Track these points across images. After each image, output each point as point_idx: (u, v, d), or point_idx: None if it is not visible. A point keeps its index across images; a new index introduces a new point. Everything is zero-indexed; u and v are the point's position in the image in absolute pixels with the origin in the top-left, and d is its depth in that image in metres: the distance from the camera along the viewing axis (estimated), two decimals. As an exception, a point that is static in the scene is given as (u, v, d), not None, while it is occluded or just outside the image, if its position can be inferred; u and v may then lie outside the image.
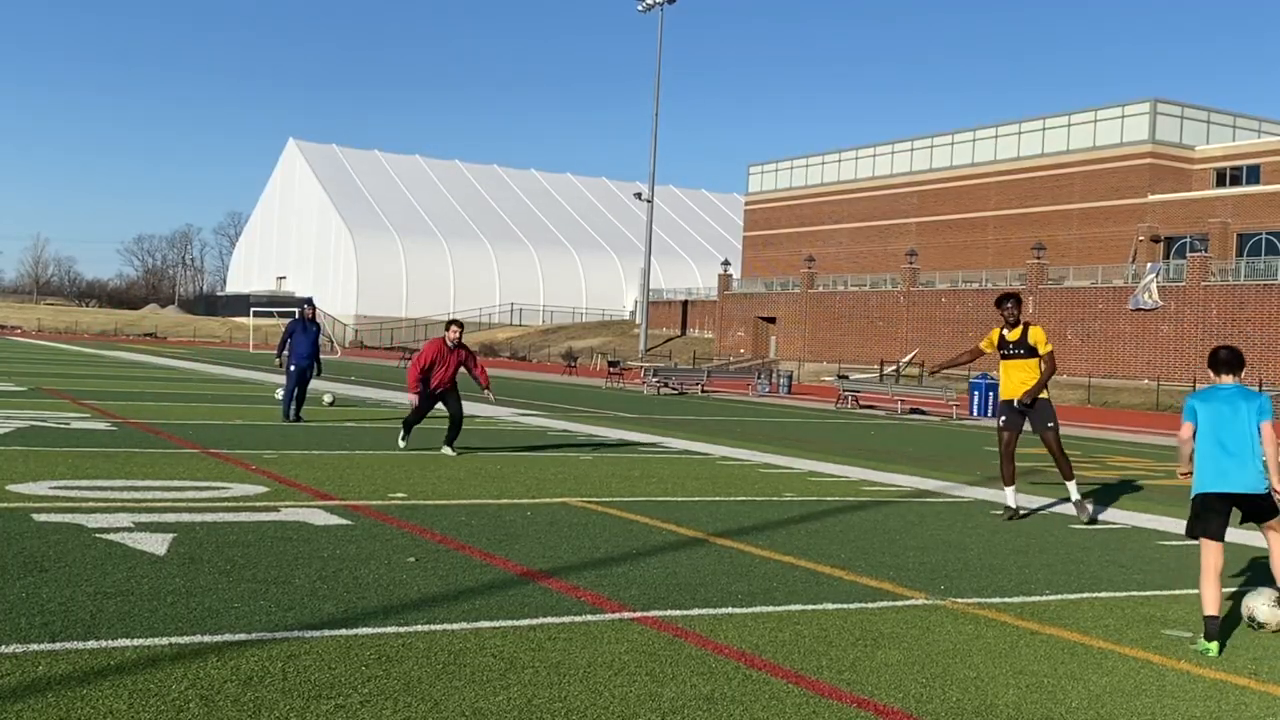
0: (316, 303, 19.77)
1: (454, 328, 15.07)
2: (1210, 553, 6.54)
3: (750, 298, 77.32)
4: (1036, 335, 11.21)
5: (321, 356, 19.35)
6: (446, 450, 14.73)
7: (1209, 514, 6.63)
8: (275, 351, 19.47)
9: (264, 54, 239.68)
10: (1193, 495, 6.74)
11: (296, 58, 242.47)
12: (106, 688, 4.62)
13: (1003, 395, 11.37)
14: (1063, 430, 12.40)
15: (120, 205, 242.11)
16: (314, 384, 20.24)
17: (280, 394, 19.18)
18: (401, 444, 14.84)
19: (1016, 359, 11.24)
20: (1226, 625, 6.93)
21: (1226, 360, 6.80)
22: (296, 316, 19.11)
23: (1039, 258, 57.89)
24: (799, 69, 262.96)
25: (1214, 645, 6.23)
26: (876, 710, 4.89)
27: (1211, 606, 6.37)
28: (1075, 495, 11.37)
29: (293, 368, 18.57)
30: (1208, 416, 6.66)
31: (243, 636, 5.48)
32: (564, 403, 29.70)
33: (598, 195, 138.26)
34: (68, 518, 8.49)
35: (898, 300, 65.21)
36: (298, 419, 18.43)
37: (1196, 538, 6.67)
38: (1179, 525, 11.39)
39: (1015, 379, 11.25)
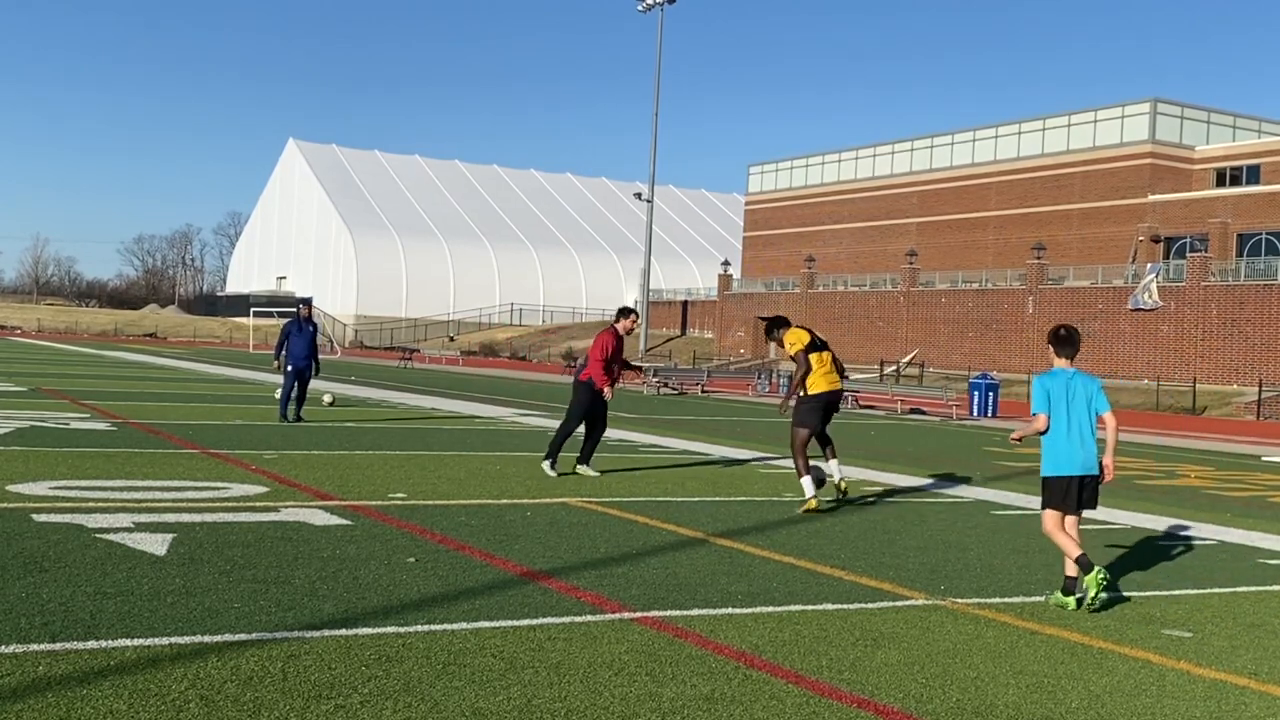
0: (316, 303, 19.74)
1: (631, 316, 13.41)
2: (1052, 519, 7.34)
3: (750, 298, 77.32)
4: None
5: (320, 356, 19.34)
6: (587, 470, 13.28)
7: (1054, 491, 7.31)
8: (273, 353, 19.46)
9: (264, 54, 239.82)
10: (1050, 475, 7.31)
11: (296, 58, 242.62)
12: (106, 688, 4.62)
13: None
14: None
15: (120, 205, 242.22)
16: (314, 384, 20.24)
17: (280, 394, 19.17)
18: (552, 471, 12.96)
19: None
20: (1228, 626, 6.94)
21: (1067, 339, 7.37)
22: (294, 317, 19.10)
23: (1039, 258, 57.89)
24: (799, 69, 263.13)
25: (1071, 600, 7.10)
26: (876, 710, 4.89)
27: (1071, 565, 7.15)
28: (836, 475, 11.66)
29: (290, 368, 18.57)
30: (1059, 400, 7.23)
31: (243, 636, 5.48)
32: (564, 403, 29.65)
33: (598, 195, 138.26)
34: (68, 518, 8.49)
35: (898, 300, 65.22)
36: (298, 419, 18.43)
37: (1045, 509, 7.40)
38: (1179, 525, 11.41)
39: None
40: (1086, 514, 7.98)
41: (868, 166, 79.54)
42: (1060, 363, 7.38)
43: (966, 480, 14.85)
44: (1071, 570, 7.17)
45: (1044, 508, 7.39)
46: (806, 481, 11.16)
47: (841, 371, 11.77)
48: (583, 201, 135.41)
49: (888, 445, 20.68)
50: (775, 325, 11.87)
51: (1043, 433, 7.30)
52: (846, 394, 37.67)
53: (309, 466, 12.51)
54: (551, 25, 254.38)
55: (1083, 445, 7.23)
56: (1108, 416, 7.34)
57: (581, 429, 13.48)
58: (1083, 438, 7.23)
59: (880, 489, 13.38)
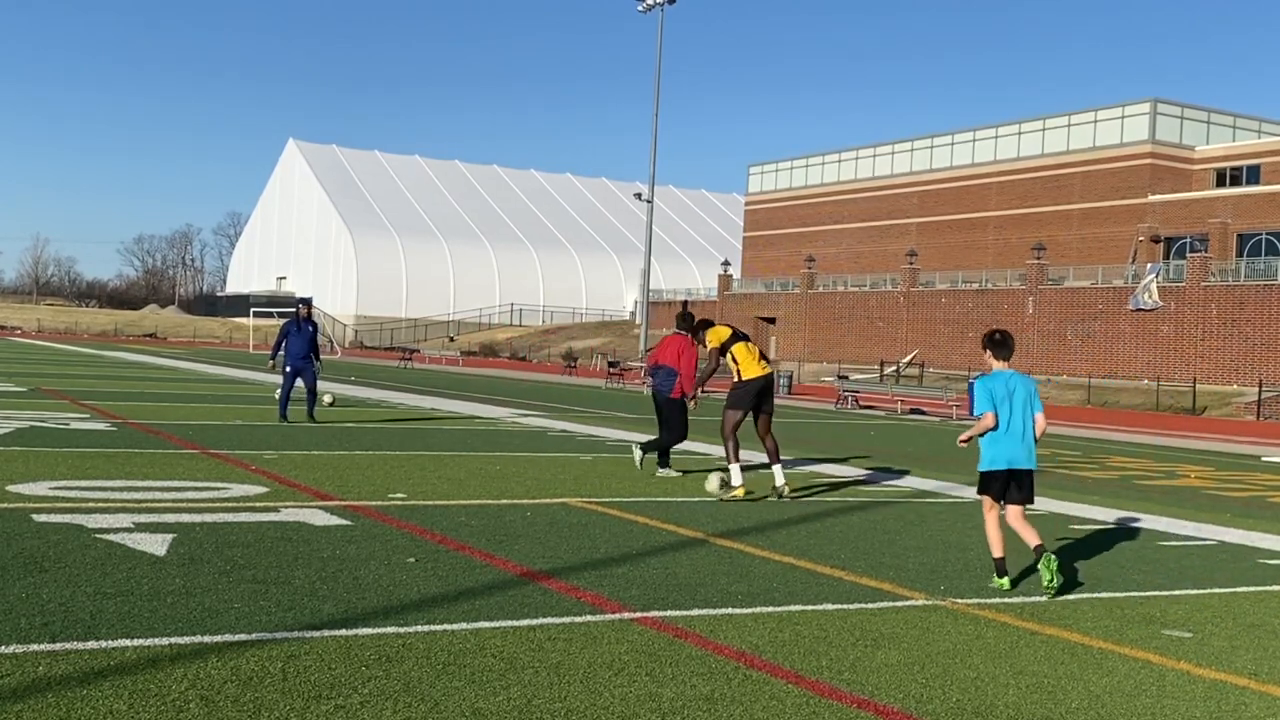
0: (316, 303, 19.71)
1: (704, 332, 12.87)
2: (991, 509, 7.79)
3: (750, 298, 77.32)
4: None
5: (322, 356, 19.33)
6: (670, 472, 13.41)
7: (993, 484, 7.75)
8: (270, 353, 19.44)
9: (264, 54, 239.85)
10: (982, 470, 7.75)
11: (296, 58, 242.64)
12: (106, 688, 4.62)
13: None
14: (1065, 430, 12.49)
15: (120, 205, 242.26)
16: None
17: (279, 394, 19.16)
18: (668, 471, 13.39)
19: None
20: (1228, 626, 6.94)
21: (1003, 343, 7.82)
22: (292, 317, 19.08)
23: (1039, 258, 57.90)
24: (799, 69, 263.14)
25: (1005, 580, 7.64)
26: (876, 710, 4.89)
27: (998, 550, 7.73)
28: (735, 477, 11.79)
29: (288, 369, 18.56)
30: (1001, 401, 7.64)
31: (243, 636, 5.48)
32: (564, 403, 29.70)
33: (598, 195, 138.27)
34: (68, 518, 8.48)
35: (898, 300, 65.22)
36: (310, 419, 18.41)
37: (981, 495, 7.85)
38: (1179, 526, 11.42)
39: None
40: (1082, 513, 8.06)
41: (868, 166, 79.55)
42: (999, 365, 7.79)
43: (966, 481, 14.84)
44: (999, 553, 7.71)
45: (980, 492, 7.87)
46: (735, 469, 11.56)
47: (766, 361, 12.29)
48: (583, 201, 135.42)
49: (888, 445, 20.68)
50: (701, 328, 12.64)
51: (993, 429, 7.64)
52: (847, 394, 37.69)
53: (309, 466, 12.51)
54: (551, 25, 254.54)
55: (1023, 441, 7.65)
56: (1039, 417, 7.77)
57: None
58: (1023, 434, 7.66)
59: (880, 489, 13.38)
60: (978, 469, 7.83)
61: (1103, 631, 6.59)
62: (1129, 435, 28.34)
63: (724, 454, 12.02)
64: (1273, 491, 15.70)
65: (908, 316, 64.28)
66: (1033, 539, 7.60)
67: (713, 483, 11.80)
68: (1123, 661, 5.95)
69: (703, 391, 13.50)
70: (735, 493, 11.47)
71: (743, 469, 11.90)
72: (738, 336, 12.20)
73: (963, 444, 7.95)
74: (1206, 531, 11.09)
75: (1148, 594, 7.81)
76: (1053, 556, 7.45)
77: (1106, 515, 11.95)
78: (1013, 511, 7.73)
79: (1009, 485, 7.70)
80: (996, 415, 7.59)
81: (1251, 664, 6.04)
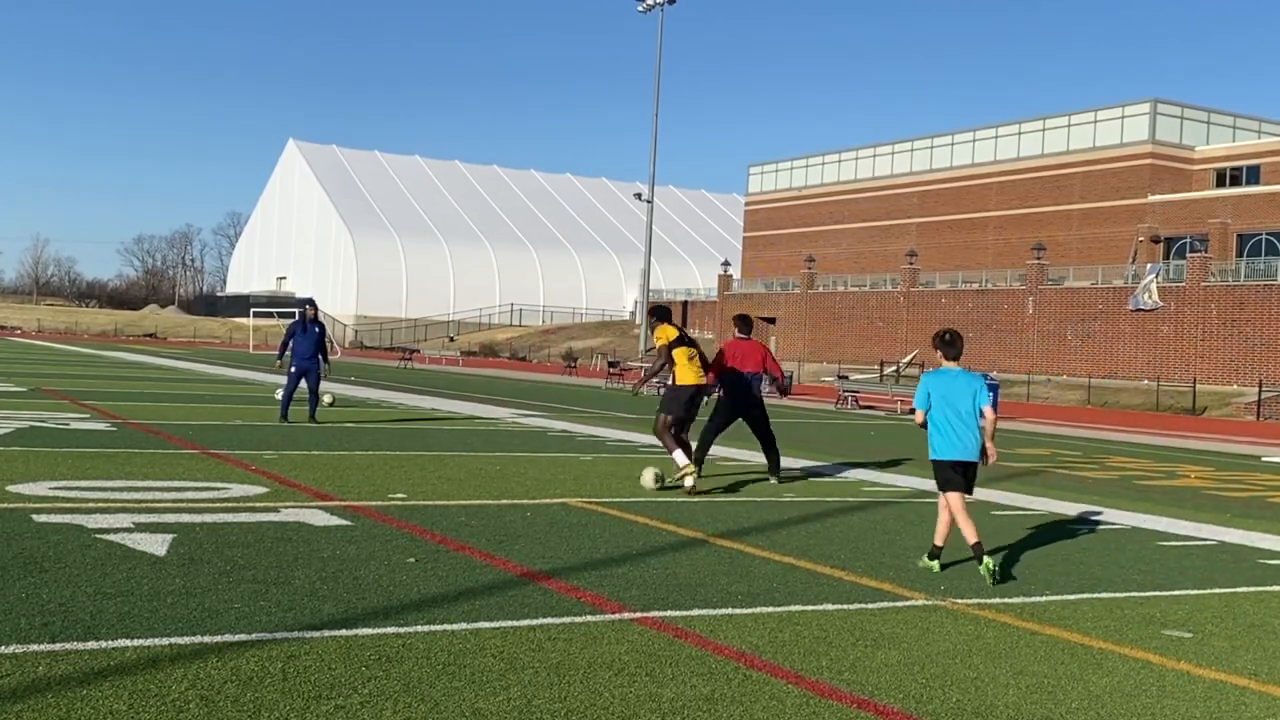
0: (317, 303, 19.73)
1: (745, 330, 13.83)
2: (949, 500, 8.17)
3: (750, 298, 77.32)
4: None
5: (331, 357, 19.38)
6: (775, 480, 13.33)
7: (947, 474, 8.21)
8: (277, 354, 19.43)
9: (264, 54, 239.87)
10: (934, 459, 8.28)
11: (296, 58, 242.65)
12: (106, 688, 4.62)
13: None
14: (1065, 430, 12.51)
15: (120, 205, 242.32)
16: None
17: (280, 394, 19.15)
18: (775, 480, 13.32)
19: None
20: (1228, 626, 6.94)
21: (951, 343, 8.32)
22: (297, 317, 19.06)
23: (1039, 258, 57.89)
24: (799, 69, 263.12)
25: (935, 564, 8.16)
26: (876, 710, 4.89)
27: (941, 538, 8.20)
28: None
29: (293, 369, 18.56)
30: (941, 396, 8.14)
31: (243, 637, 5.48)
32: (564, 403, 29.69)
33: (598, 195, 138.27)
34: (68, 518, 8.48)
35: (898, 300, 65.23)
36: (312, 420, 18.40)
37: (944, 490, 8.25)
38: (1179, 526, 11.42)
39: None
40: (1082, 513, 8.01)
41: (868, 167, 79.54)
42: (947, 363, 8.29)
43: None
44: (941, 540, 8.22)
45: (942, 486, 8.30)
46: (679, 454, 12.06)
47: (706, 369, 12.82)
48: (583, 201, 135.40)
49: (888, 445, 20.68)
50: (657, 316, 13.02)
51: (923, 425, 8.26)
52: (847, 394, 37.68)
53: (309, 467, 12.51)
54: (551, 25, 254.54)
55: (960, 435, 8.10)
56: (987, 410, 8.20)
57: (707, 441, 13.54)
58: (962, 428, 8.10)
59: (880, 489, 13.38)
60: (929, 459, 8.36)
61: (1103, 631, 6.59)
62: (1129, 435, 28.33)
63: (666, 448, 12.37)
64: (1273, 491, 15.70)
65: (908, 316, 64.28)
66: (971, 535, 7.98)
67: (647, 478, 12.00)
68: (1123, 661, 5.95)
69: (648, 388, 14.08)
70: (685, 472, 11.78)
71: (735, 476, 11.91)
72: (682, 340, 12.65)
73: (921, 426, 8.41)
74: (1206, 531, 11.09)
75: (1148, 594, 7.81)
76: (988, 559, 7.89)
77: (1107, 515, 11.95)
78: (954, 500, 8.15)
79: (963, 476, 8.21)
80: (927, 412, 8.21)
81: (1251, 664, 6.04)
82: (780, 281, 76.94)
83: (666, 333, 12.64)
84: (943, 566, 8.19)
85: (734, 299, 78.34)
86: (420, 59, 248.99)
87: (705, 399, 12.89)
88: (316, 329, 18.86)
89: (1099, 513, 12.12)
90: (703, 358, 12.73)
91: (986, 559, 7.86)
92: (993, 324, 58.73)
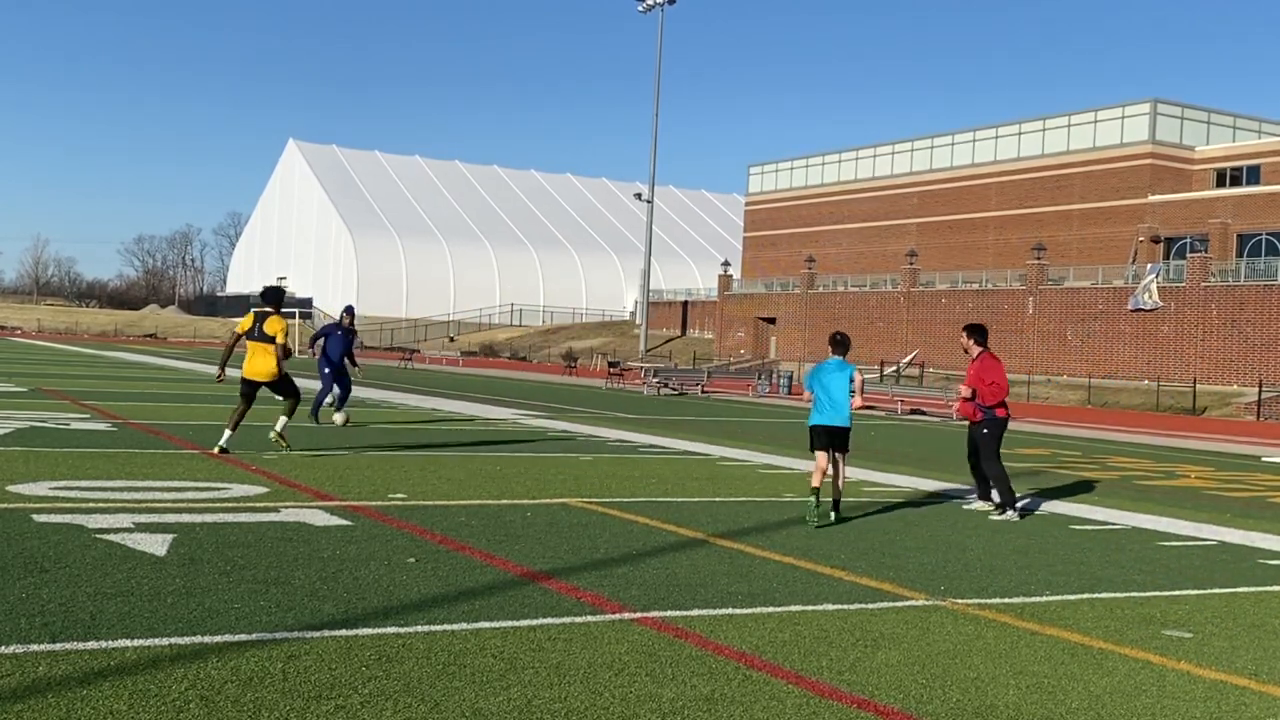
0: (316, 303, 19.93)
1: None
2: (818, 459, 10.37)
3: (750, 298, 77.32)
4: (272, 325, 13.30)
5: (358, 362, 19.76)
6: (1009, 514, 11.43)
7: (816, 438, 10.43)
8: (309, 344, 19.75)
9: (264, 54, 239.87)
10: (809, 425, 10.50)
11: (296, 58, 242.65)
12: (106, 688, 4.62)
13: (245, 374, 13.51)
14: (1065, 430, 12.53)
15: (120, 205, 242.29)
16: (314, 384, 20.24)
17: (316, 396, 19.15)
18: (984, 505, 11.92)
19: (260, 342, 13.40)
20: (1228, 626, 6.94)
21: (840, 342, 10.69)
22: (334, 322, 19.35)
23: (1039, 258, 57.88)
24: (799, 69, 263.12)
25: (812, 499, 10.05)
26: (876, 710, 4.89)
27: (816, 482, 10.21)
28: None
29: (326, 370, 18.75)
30: (820, 382, 10.46)
31: (243, 637, 5.48)
32: (564, 403, 29.69)
33: (598, 195, 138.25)
34: (68, 518, 8.49)
35: (898, 301, 65.22)
36: (314, 420, 18.45)
37: (812, 451, 10.51)
38: (1179, 526, 11.42)
39: (256, 360, 13.42)
40: (1082, 513, 7.91)
41: (868, 167, 79.52)
42: (834, 357, 10.55)
43: (966, 481, 14.83)
44: (815, 483, 10.22)
45: (810, 448, 10.54)
46: (228, 433, 13.19)
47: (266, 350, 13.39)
48: (583, 201, 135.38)
49: (888, 445, 20.68)
50: (269, 299, 13.62)
51: (812, 402, 10.54)
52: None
53: (309, 466, 12.51)
54: (551, 25, 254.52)
55: (829, 409, 10.35)
56: (856, 375, 10.43)
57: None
58: (833, 403, 10.35)
59: (880, 489, 13.38)
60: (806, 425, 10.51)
61: (1103, 631, 6.59)
62: (1129, 435, 28.33)
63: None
64: (1273, 491, 15.69)
65: (908, 316, 64.27)
66: (834, 492, 10.34)
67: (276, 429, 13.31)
68: (1123, 661, 5.95)
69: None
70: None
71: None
72: (249, 333, 13.34)
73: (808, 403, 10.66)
74: (1206, 531, 11.09)
75: (1148, 594, 7.81)
76: (827, 504, 10.22)
77: (1107, 515, 11.94)
78: (821, 458, 10.33)
79: (829, 439, 10.35)
80: (814, 392, 10.49)
81: (1252, 664, 6.04)
82: (780, 281, 76.92)
83: (246, 323, 13.38)
84: (834, 517, 10.30)
85: (734, 299, 78.35)
86: (420, 59, 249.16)
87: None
88: (350, 335, 19.15)
89: (1099, 513, 12.12)
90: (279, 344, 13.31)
91: (829, 510, 10.21)
92: (993, 324, 58.63)
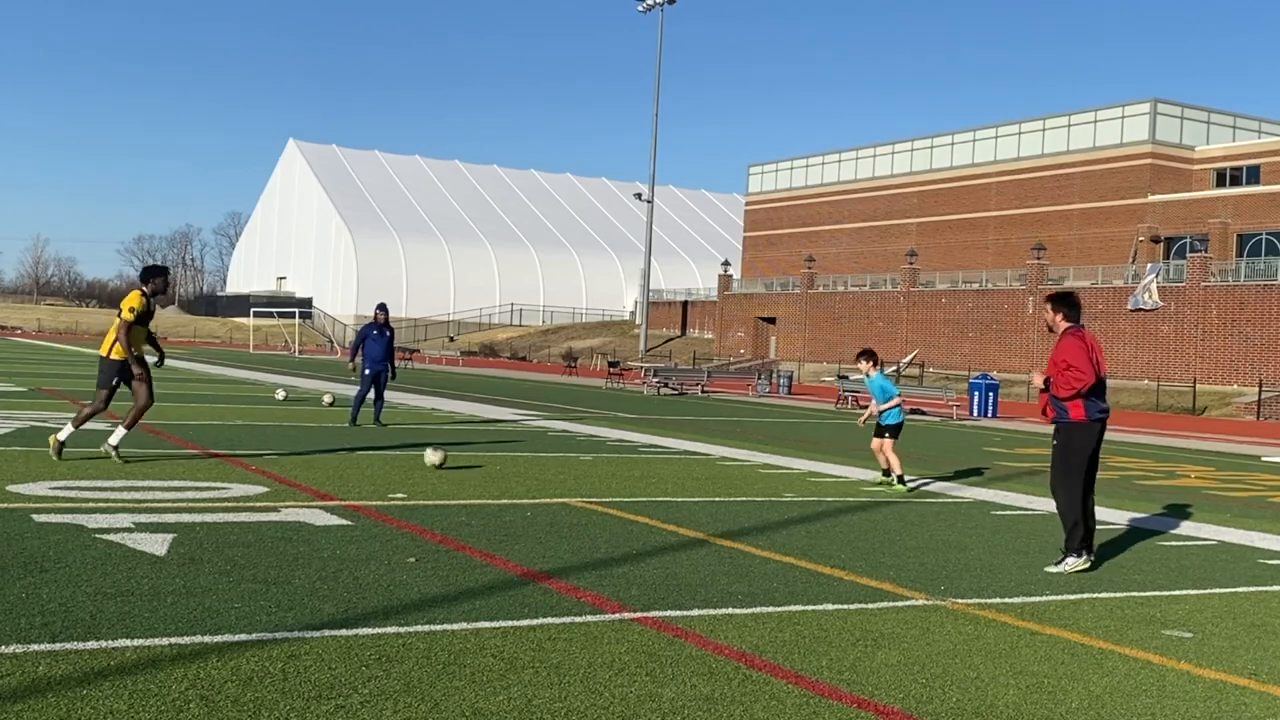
0: (316, 303, 19.95)
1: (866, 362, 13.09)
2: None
3: (750, 298, 77.33)
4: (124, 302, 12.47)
5: (339, 358, 19.62)
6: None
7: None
8: (349, 356, 19.64)
9: (264, 54, 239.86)
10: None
11: (296, 58, 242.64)
12: (106, 688, 4.62)
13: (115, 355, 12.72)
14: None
15: (120, 205, 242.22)
16: (314, 384, 20.24)
17: (354, 397, 19.15)
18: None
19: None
20: (1228, 626, 6.94)
21: (865, 355, 13.70)
22: (371, 321, 19.25)
23: (1039, 258, 57.89)
24: (799, 69, 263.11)
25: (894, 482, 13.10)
26: (876, 710, 4.89)
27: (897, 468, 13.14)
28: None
29: (366, 372, 18.72)
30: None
31: (243, 636, 5.48)
32: (564, 403, 29.69)
33: (598, 195, 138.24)
34: (68, 518, 8.48)
35: (897, 300, 65.23)
36: (378, 423, 18.46)
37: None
38: (1179, 525, 11.42)
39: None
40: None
41: (868, 167, 79.54)
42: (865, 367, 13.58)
43: (967, 481, 14.85)
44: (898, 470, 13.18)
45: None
46: (120, 431, 12.34)
47: (156, 344, 13.09)
48: (583, 201, 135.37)
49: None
50: (148, 275, 12.58)
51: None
52: (846, 394, 37.70)
53: (309, 466, 12.51)
54: (551, 25, 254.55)
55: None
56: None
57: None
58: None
59: (880, 489, 13.38)
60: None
61: (1103, 631, 6.59)
62: (1129, 435, 28.32)
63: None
64: (1273, 491, 15.70)
65: (908, 316, 64.28)
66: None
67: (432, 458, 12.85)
68: (1123, 661, 5.95)
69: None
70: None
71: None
72: (140, 319, 12.44)
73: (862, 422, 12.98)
74: (1206, 531, 11.09)
75: (1148, 594, 7.81)
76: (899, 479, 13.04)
77: (1107, 515, 11.94)
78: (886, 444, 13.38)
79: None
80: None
81: (1252, 664, 6.04)
82: (780, 281, 76.94)
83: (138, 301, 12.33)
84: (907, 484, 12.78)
85: (734, 299, 78.35)
86: (420, 59, 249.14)
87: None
88: (389, 333, 19.04)
89: (1098, 513, 12.10)
90: (151, 338, 12.87)
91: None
92: (993, 324, 58.71)
